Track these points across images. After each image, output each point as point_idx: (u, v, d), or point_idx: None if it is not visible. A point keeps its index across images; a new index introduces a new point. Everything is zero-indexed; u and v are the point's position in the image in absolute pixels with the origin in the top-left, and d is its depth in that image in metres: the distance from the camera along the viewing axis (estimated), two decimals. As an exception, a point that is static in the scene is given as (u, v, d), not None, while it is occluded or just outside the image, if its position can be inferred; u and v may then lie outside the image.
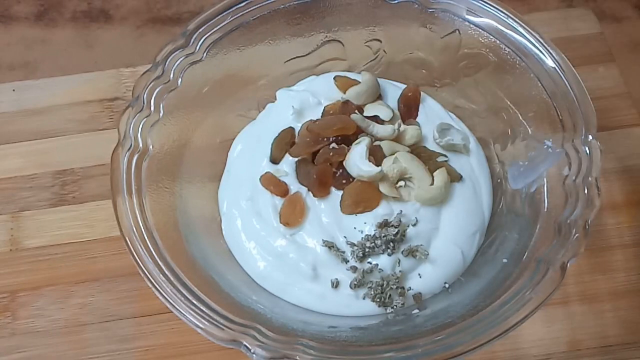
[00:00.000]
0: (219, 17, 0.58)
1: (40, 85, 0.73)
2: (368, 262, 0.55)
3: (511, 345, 0.59)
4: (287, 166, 0.59)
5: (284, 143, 0.60)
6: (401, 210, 0.56)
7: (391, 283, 0.54)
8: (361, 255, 0.54)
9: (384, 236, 0.54)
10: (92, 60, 0.76)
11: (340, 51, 0.63)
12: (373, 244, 0.54)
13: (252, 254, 0.57)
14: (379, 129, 0.59)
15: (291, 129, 0.60)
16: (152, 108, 0.55)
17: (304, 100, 0.62)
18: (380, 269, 0.54)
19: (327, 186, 0.57)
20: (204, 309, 0.48)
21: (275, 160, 0.60)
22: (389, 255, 0.55)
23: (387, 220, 0.55)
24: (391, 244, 0.54)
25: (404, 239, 0.55)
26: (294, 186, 0.58)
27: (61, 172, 0.68)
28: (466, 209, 0.58)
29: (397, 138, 0.59)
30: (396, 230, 0.55)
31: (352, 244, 0.55)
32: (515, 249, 0.53)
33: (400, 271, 0.55)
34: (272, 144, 0.60)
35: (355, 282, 0.54)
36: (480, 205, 0.59)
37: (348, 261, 0.55)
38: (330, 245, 0.55)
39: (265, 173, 0.58)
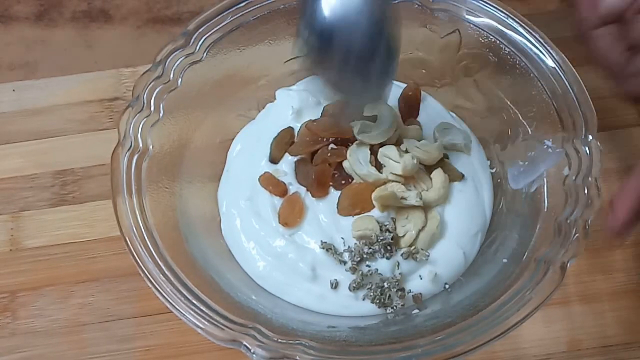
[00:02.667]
0: (219, 17, 0.58)
1: (40, 85, 0.73)
2: (367, 265, 0.55)
3: (511, 345, 0.59)
4: (286, 166, 0.59)
5: (284, 143, 0.60)
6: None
7: (391, 285, 0.54)
8: (359, 259, 0.54)
9: (381, 239, 0.54)
10: (92, 60, 0.76)
11: (340, 51, 0.63)
12: (371, 249, 0.54)
13: (252, 254, 0.57)
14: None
15: (290, 128, 0.60)
16: (152, 108, 0.55)
17: (304, 100, 0.62)
18: (379, 273, 0.54)
19: (326, 186, 0.57)
20: (204, 309, 0.48)
21: (274, 160, 0.60)
22: (387, 259, 0.54)
23: (383, 224, 0.55)
24: (389, 247, 0.54)
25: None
26: (293, 186, 0.58)
27: (61, 172, 0.68)
28: (469, 210, 0.58)
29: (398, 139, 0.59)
30: (392, 234, 0.54)
31: (350, 251, 0.55)
32: (515, 249, 0.53)
33: (400, 273, 0.54)
34: (271, 144, 0.60)
35: (354, 285, 0.54)
36: (482, 206, 0.59)
37: (346, 262, 0.55)
38: (328, 248, 0.55)
39: (264, 173, 0.58)
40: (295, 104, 0.61)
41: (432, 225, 0.56)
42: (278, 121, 0.61)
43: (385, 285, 0.54)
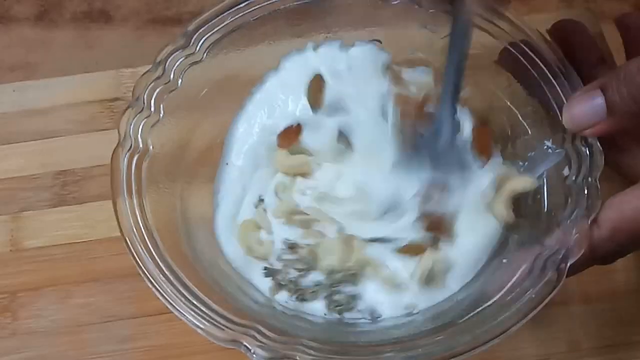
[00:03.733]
0: (219, 17, 0.58)
1: (41, 86, 0.73)
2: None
3: (511, 345, 0.59)
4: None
5: (317, 90, 0.57)
6: None
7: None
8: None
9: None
10: (92, 60, 0.76)
11: (340, 52, 0.63)
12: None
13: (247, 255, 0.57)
14: None
15: (319, 75, 0.58)
16: (152, 109, 0.55)
17: (330, 65, 0.58)
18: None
19: None
20: (204, 309, 0.48)
21: (315, 105, 0.57)
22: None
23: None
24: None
25: None
26: None
27: (61, 173, 0.68)
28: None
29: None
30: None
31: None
32: (515, 249, 0.53)
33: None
34: (307, 95, 0.58)
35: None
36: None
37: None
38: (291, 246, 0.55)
39: (282, 131, 0.57)
40: (324, 68, 0.58)
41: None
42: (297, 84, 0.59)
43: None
